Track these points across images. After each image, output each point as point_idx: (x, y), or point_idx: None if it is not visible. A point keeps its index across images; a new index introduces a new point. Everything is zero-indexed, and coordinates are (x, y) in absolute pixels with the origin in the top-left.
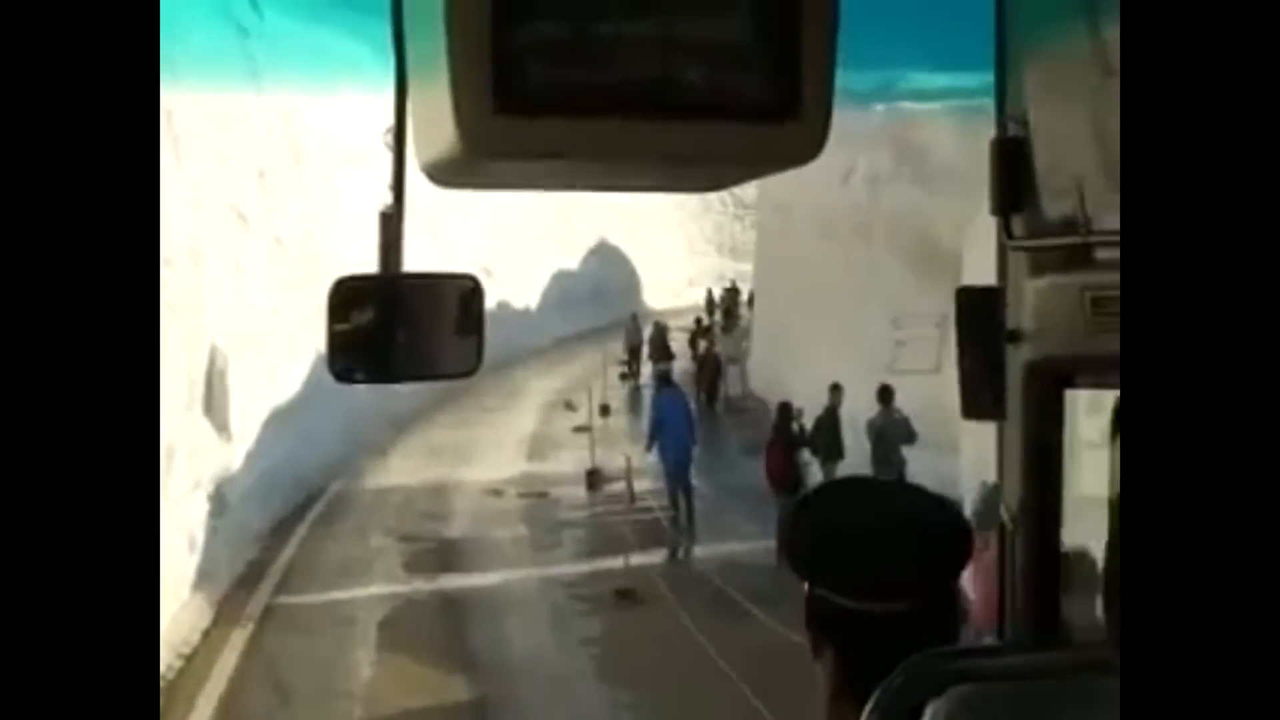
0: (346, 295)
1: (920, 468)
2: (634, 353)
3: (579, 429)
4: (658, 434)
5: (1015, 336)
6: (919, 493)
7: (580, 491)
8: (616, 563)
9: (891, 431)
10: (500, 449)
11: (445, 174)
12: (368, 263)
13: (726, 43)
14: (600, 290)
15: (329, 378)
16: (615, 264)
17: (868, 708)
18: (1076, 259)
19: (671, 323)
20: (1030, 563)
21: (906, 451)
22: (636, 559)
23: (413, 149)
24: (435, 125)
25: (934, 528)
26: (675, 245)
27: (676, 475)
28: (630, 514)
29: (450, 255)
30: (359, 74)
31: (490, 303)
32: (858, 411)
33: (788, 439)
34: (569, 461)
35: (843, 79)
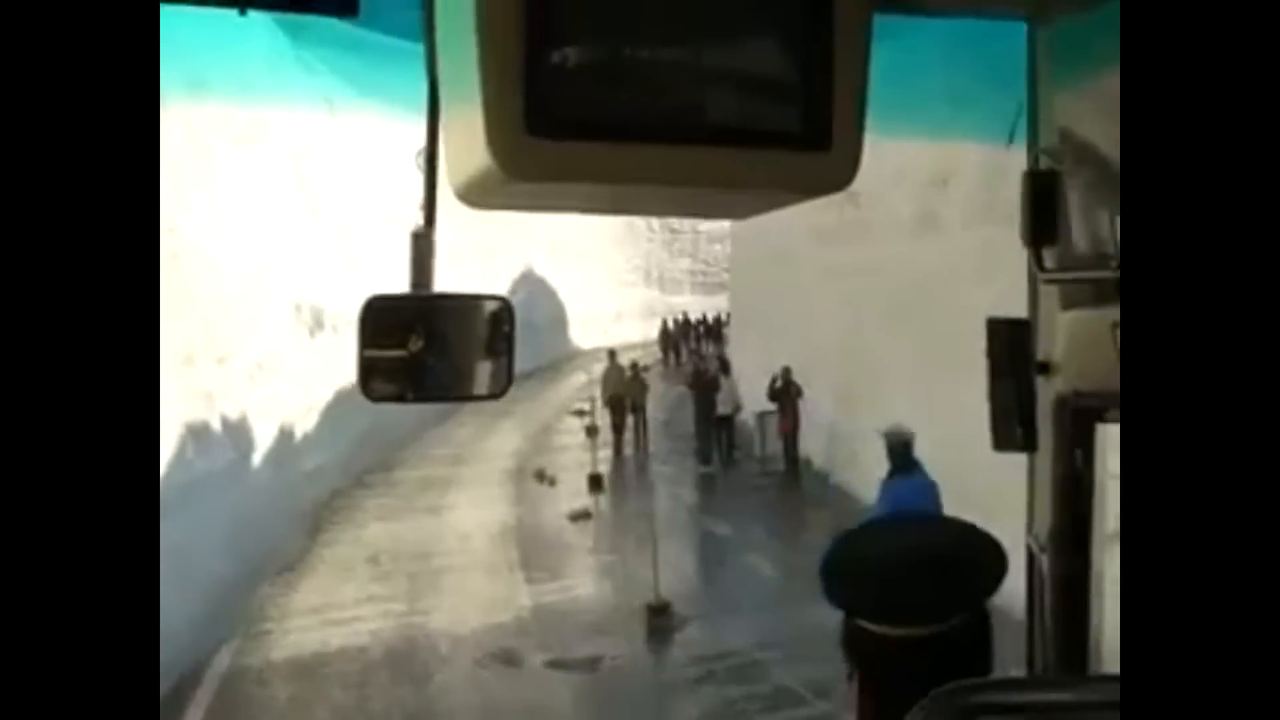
0: (377, 314)
1: None
2: (617, 405)
3: (577, 516)
4: None
5: (1046, 369)
6: (954, 524)
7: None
8: None
9: None
10: (472, 555)
11: (476, 196)
12: None
13: (759, 72)
14: (529, 325)
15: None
16: (543, 296)
17: None
18: (1107, 293)
19: (601, 364)
20: (1059, 595)
21: None
22: None
23: (444, 171)
24: (467, 147)
25: (962, 553)
26: (600, 275)
27: None
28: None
29: (365, 281)
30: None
31: None
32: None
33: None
34: (586, 574)
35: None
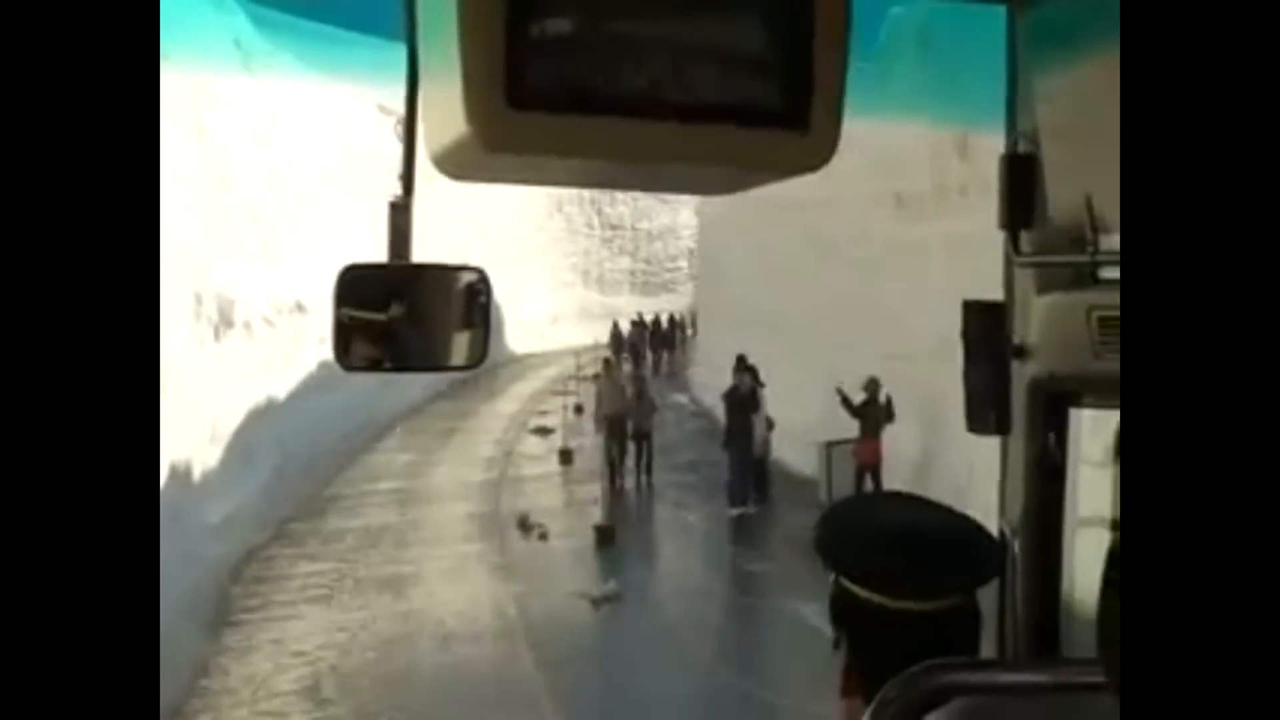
0: (353, 283)
1: None
2: (615, 428)
3: (603, 600)
4: None
5: (1021, 352)
6: (953, 510)
7: None
8: None
9: None
10: (466, 673)
11: (454, 167)
12: None
13: (739, 48)
14: None
15: None
16: None
17: (869, 711)
18: (1083, 278)
19: (548, 371)
20: (1031, 579)
21: None
22: None
23: (422, 140)
24: (446, 117)
25: (963, 538)
26: (536, 274)
27: None
28: None
29: (284, 282)
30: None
31: (329, 350)
32: None
33: None
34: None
35: None
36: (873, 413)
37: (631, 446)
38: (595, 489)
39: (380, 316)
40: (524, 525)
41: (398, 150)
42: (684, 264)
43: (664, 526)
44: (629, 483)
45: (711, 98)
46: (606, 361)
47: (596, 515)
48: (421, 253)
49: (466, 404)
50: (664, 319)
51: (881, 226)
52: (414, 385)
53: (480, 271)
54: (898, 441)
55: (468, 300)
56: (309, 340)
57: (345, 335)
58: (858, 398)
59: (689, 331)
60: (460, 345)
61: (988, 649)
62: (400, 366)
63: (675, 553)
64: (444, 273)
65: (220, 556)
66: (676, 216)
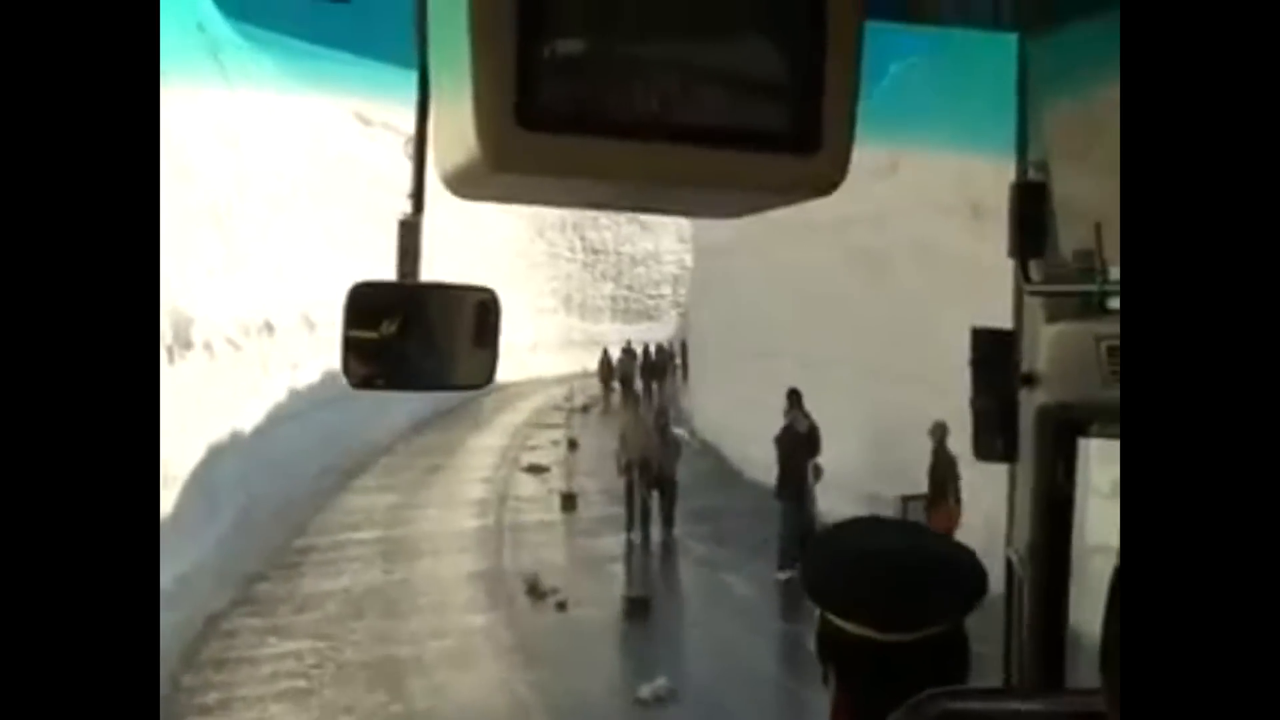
0: (363, 301)
1: None
2: (643, 472)
3: (654, 699)
4: None
5: (1029, 381)
6: (938, 535)
7: None
8: None
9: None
10: None
11: (464, 186)
12: None
13: (750, 71)
14: None
15: None
16: None
17: None
18: (1092, 307)
19: (532, 401)
20: (1037, 608)
21: None
22: None
23: (432, 160)
24: (456, 136)
25: (948, 564)
26: (517, 300)
27: None
28: None
29: (250, 298)
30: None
31: (315, 373)
32: None
33: None
34: None
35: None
36: (941, 467)
37: (654, 495)
38: (607, 542)
39: (390, 334)
40: (536, 591)
41: (375, 158)
42: (667, 290)
43: (701, 593)
44: (653, 536)
45: (722, 120)
46: (633, 399)
47: (617, 576)
48: (388, 273)
49: (450, 436)
50: (651, 347)
51: (950, 240)
52: (394, 414)
53: (490, 291)
54: (979, 498)
55: (477, 320)
56: (279, 364)
57: (354, 353)
58: (910, 441)
59: (677, 360)
60: (469, 365)
61: (994, 677)
62: (408, 385)
63: (722, 629)
64: (454, 292)
65: (172, 629)
66: (659, 241)
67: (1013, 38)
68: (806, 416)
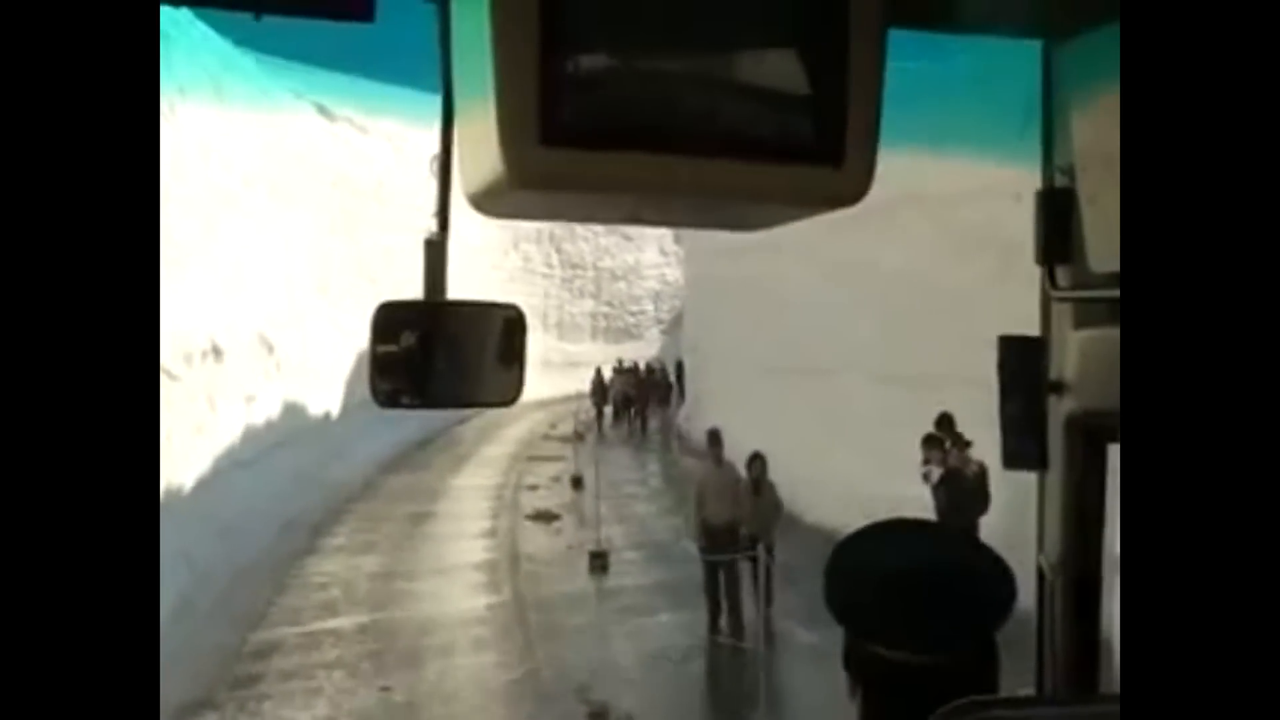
0: (390, 320)
1: None
2: (727, 538)
3: None
4: None
5: (1058, 388)
6: (958, 539)
7: None
8: None
9: None
10: None
11: (489, 204)
12: None
13: (772, 84)
14: None
15: None
16: None
17: None
18: (1118, 313)
19: (516, 429)
20: (1069, 616)
21: None
22: None
23: (458, 178)
24: (480, 155)
25: (972, 577)
26: None
27: None
28: None
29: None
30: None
31: (274, 405)
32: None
33: None
34: None
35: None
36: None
37: (745, 566)
38: (664, 624)
39: (412, 349)
40: None
41: (340, 154)
42: (649, 306)
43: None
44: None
45: (744, 133)
46: (717, 445)
47: (699, 683)
48: (356, 287)
49: (433, 475)
50: (641, 366)
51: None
52: (368, 449)
53: (516, 309)
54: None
55: (504, 337)
56: (229, 396)
57: (381, 371)
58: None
59: (672, 379)
60: (496, 382)
61: (1026, 686)
62: (436, 402)
63: None
64: (480, 309)
65: None
66: (640, 254)
67: (1037, 44)
68: (964, 460)
